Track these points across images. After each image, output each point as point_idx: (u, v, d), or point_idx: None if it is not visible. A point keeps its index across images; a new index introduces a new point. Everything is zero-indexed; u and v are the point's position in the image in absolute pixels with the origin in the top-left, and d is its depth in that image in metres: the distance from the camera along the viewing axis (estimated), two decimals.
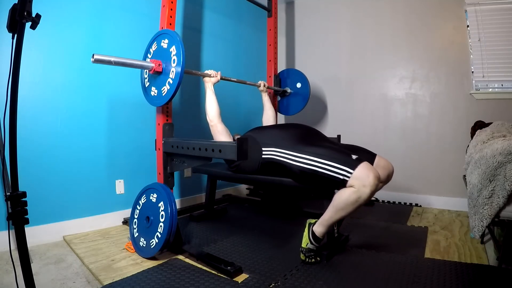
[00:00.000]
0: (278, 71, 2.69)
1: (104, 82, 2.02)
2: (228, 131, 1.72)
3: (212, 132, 1.73)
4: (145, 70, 1.63)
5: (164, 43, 1.51)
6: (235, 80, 2.06)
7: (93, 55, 1.27)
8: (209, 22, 2.72)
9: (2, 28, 0.99)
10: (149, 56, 1.60)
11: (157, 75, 1.53)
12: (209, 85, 1.74)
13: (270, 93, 2.48)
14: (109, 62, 1.33)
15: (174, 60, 1.44)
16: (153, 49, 1.58)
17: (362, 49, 2.92)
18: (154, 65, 1.49)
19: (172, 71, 1.44)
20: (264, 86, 2.27)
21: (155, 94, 1.56)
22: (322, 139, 1.65)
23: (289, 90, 2.62)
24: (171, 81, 1.45)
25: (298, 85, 2.60)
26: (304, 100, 2.56)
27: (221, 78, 1.82)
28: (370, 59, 2.87)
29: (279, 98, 2.69)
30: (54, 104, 1.81)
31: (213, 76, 1.76)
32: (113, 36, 2.06)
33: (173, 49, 1.45)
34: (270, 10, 2.64)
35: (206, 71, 1.76)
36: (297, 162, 1.42)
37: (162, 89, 1.51)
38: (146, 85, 1.64)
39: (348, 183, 1.29)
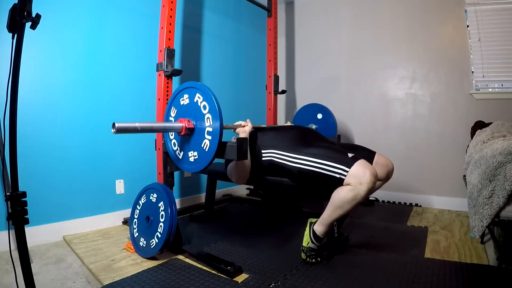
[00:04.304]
0: (297, 109, 2.64)
1: (104, 82, 2.02)
2: None
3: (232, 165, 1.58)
4: (171, 137, 1.46)
5: (193, 100, 1.34)
6: (265, 126, 1.95)
7: (114, 124, 1.10)
8: (209, 22, 2.72)
9: (2, 28, 0.99)
10: (174, 110, 1.44)
11: (189, 136, 1.35)
12: (246, 136, 1.49)
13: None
14: (134, 130, 1.19)
15: (208, 118, 1.27)
16: (180, 102, 1.41)
17: (362, 49, 2.92)
18: (183, 126, 1.32)
19: (208, 132, 1.27)
20: (291, 125, 2.18)
21: (193, 160, 1.35)
22: (320, 140, 1.65)
23: (314, 127, 2.59)
24: (206, 147, 1.28)
25: (319, 116, 2.58)
26: (332, 132, 2.51)
27: (253, 128, 1.61)
28: (370, 59, 2.87)
29: None
30: (54, 104, 1.81)
31: (245, 125, 1.55)
32: (113, 36, 2.06)
33: (207, 112, 1.28)
34: (270, 10, 2.64)
35: (237, 122, 1.56)
36: (295, 163, 1.43)
37: (192, 154, 1.34)
38: (173, 144, 1.46)
39: (345, 181, 1.29)
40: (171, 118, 1.45)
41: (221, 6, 2.84)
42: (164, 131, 1.39)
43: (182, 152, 1.42)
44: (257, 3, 2.59)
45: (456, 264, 1.43)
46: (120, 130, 1.12)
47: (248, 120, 1.60)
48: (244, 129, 1.54)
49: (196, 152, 1.33)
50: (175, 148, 1.46)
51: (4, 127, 0.96)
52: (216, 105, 1.24)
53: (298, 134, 1.60)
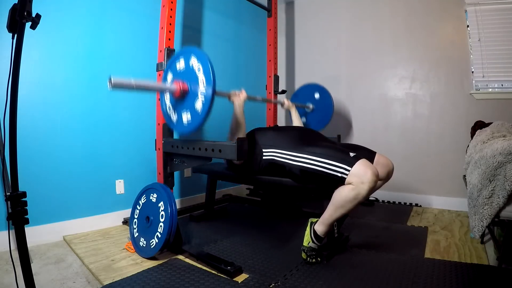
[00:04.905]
0: (296, 88, 2.69)
1: (104, 82, 2.00)
2: None
3: None
4: (167, 102, 1.49)
5: (188, 64, 1.38)
6: (260, 99, 2.00)
7: (110, 78, 1.12)
8: (209, 22, 2.72)
9: (2, 28, 0.99)
10: (170, 75, 1.48)
11: (183, 97, 1.38)
12: (239, 103, 1.59)
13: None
14: (129, 86, 1.21)
15: (202, 80, 1.31)
16: (176, 67, 1.45)
17: (362, 49, 2.92)
18: (178, 88, 1.35)
19: (202, 93, 1.29)
20: (288, 102, 2.23)
21: (187, 121, 1.37)
22: (321, 139, 1.66)
23: (311, 106, 2.60)
24: (199, 108, 1.30)
25: (317, 95, 2.59)
26: (328, 113, 2.53)
27: (248, 98, 1.68)
28: (370, 59, 2.87)
29: (304, 119, 2.64)
30: (54, 104, 1.81)
31: (239, 94, 1.63)
32: (112, 36, 2.06)
33: (201, 73, 1.32)
34: (270, 10, 2.64)
35: (232, 91, 1.63)
36: (297, 162, 1.43)
37: (186, 115, 1.37)
38: (168, 108, 1.49)
39: (346, 181, 1.29)
40: (170, 74, 1.48)
41: (221, 6, 2.84)
42: (159, 90, 1.40)
43: (176, 115, 1.44)
44: (257, 3, 2.59)
45: (456, 264, 1.43)
46: (116, 85, 1.15)
47: (242, 89, 1.64)
48: (239, 98, 1.60)
49: (189, 113, 1.36)
50: (169, 112, 1.48)
51: (4, 127, 0.96)
52: (209, 67, 1.27)
53: (299, 133, 1.60)
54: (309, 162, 1.39)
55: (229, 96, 1.62)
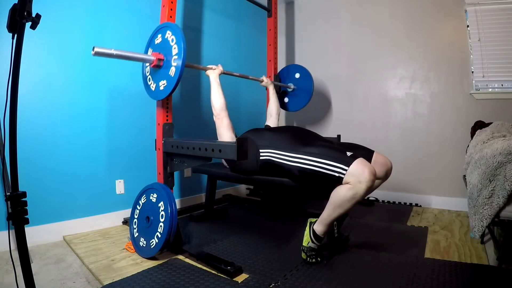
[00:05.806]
0: (278, 70, 2.70)
1: (104, 82, 2.02)
2: (232, 127, 1.72)
3: (217, 126, 1.71)
4: (147, 67, 1.64)
5: (164, 37, 1.52)
6: (237, 74, 2.06)
7: (93, 48, 1.26)
8: (209, 22, 2.72)
9: (2, 28, 0.99)
10: (150, 50, 1.62)
11: (158, 68, 1.54)
12: (214, 76, 1.74)
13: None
14: (110, 55, 1.32)
15: (175, 48, 1.45)
16: (155, 43, 1.59)
17: (362, 49, 2.92)
18: (154, 58, 1.51)
19: (174, 60, 1.44)
20: (266, 80, 2.28)
21: (163, 87, 1.53)
22: (317, 139, 1.65)
23: (292, 86, 2.62)
24: (172, 73, 1.45)
25: (297, 75, 2.62)
26: (308, 93, 2.57)
27: (223, 72, 1.82)
28: (370, 59, 2.87)
29: (287, 99, 2.68)
30: (54, 104, 1.81)
31: (215, 68, 1.77)
32: (112, 36, 2.06)
33: (174, 43, 1.46)
34: (270, 10, 2.64)
35: (208, 66, 1.79)
36: (294, 162, 1.43)
37: (161, 83, 1.52)
38: (148, 79, 1.64)
39: (344, 180, 1.29)
40: (152, 44, 1.61)
41: (221, 6, 2.84)
42: (137, 60, 1.51)
43: (154, 84, 1.59)
44: (257, 3, 2.59)
45: (456, 264, 1.44)
46: (98, 54, 1.28)
47: (219, 65, 1.81)
48: (213, 71, 1.76)
49: (165, 80, 1.51)
50: (149, 83, 1.63)
51: (4, 127, 0.96)
52: (181, 36, 1.42)
53: (295, 133, 1.60)
54: (306, 162, 1.39)
55: (205, 70, 1.76)
